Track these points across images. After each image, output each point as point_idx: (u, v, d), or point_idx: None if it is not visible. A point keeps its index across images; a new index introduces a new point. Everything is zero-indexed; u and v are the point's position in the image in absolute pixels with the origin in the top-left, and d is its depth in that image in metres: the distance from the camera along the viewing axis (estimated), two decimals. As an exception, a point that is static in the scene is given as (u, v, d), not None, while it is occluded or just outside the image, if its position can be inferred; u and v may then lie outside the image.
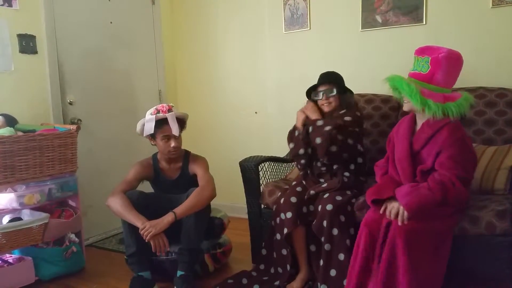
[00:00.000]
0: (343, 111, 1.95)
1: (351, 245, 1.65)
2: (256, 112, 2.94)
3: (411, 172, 1.61)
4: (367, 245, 1.53)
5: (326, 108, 1.98)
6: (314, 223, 1.80)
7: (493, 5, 2.13)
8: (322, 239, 1.76)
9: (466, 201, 1.65)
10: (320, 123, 1.87)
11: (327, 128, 1.83)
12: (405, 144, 1.63)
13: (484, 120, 2.00)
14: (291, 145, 2.00)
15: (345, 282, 1.61)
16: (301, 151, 1.94)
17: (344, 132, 1.85)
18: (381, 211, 1.56)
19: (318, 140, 1.85)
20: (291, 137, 2.02)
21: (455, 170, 1.51)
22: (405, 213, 1.47)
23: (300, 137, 1.95)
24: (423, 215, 1.48)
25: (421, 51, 1.59)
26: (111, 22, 2.78)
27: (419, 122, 1.66)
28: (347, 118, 1.91)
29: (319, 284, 1.74)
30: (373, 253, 1.52)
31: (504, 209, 1.57)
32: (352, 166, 1.94)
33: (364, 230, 1.55)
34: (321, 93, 1.97)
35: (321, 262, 1.75)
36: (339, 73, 2.05)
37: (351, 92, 2.05)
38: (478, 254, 1.62)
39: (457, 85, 2.02)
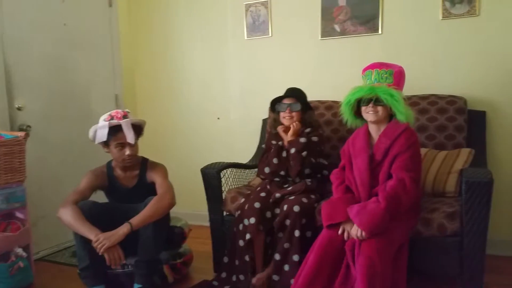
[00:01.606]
0: (308, 130, 2.01)
1: (308, 248, 1.66)
2: (218, 118, 2.90)
3: (370, 183, 1.65)
4: (317, 263, 1.54)
5: (286, 122, 2.04)
6: (276, 220, 1.83)
7: (443, 17, 2.25)
8: (280, 234, 1.80)
9: (420, 204, 1.71)
10: (289, 145, 1.97)
11: (292, 150, 1.94)
12: (365, 158, 1.67)
13: (436, 126, 2.10)
14: (275, 160, 1.99)
15: (292, 281, 1.63)
16: (283, 172, 1.99)
17: (313, 153, 1.95)
18: (339, 233, 1.58)
19: (291, 163, 1.95)
20: (273, 156, 2.00)
21: (412, 172, 1.58)
22: (363, 232, 1.49)
23: (284, 156, 1.99)
24: (381, 229, 1.50)
25: (379, 65, 1.68)
26: (64, 24, 2.65)
27: (375, 135, 1.71)
28: (314, 139, 1.99)
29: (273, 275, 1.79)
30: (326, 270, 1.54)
31: (454, 211, 1.65)
32: (318, 175, 2.02)
33: (319, 252, 1.56)
34: (285, 106, 2.02)
35: (277, 256, 1.78)
36: (301, 88, 2.12)
37: (312, 110, 2.13)
38: (431, 255, 1.68)
39: (411, 92, 2.10)
